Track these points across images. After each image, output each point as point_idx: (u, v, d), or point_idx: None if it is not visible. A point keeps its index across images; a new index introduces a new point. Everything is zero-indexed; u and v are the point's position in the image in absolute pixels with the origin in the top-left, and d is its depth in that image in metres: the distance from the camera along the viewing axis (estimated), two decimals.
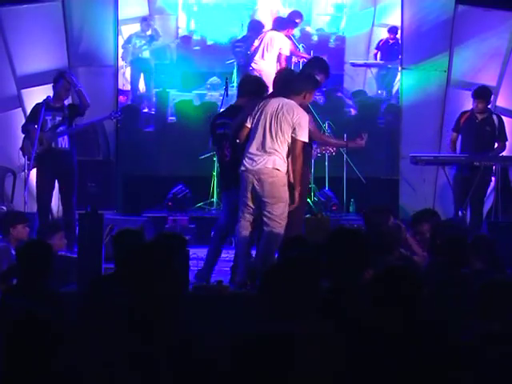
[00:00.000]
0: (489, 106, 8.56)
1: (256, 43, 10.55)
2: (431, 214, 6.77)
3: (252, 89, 6.76)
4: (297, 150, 6.25)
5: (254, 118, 6.33)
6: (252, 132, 6.34)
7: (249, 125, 6.35)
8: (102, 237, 6.30)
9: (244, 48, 10.80)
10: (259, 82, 6.92)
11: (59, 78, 8.18)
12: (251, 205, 6.32)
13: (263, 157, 6.24)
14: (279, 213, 6.22)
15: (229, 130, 6.65)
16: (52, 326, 2.96)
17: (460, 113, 8.65)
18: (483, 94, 8.48)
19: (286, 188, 6.25)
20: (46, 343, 2.91)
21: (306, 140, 6.30)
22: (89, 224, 6.28)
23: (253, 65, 10.39)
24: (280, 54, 10.35)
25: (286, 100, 6.32)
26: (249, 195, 6.30)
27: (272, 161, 6.22)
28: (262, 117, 6.29)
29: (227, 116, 6.84)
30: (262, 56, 10.36)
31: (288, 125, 6.23)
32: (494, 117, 8.58)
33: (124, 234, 5.37)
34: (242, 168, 6.30)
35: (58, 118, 8.12)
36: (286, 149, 6.26)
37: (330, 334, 2.73)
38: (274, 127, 6.25)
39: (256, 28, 10.87)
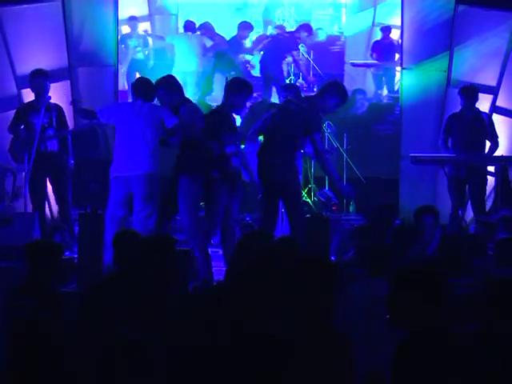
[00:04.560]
0: (476, 105, 8.62)
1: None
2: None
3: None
4: None
5: None
6: None
7: None
8: (102, 237, 6.30)
9: None
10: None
11: (31, 78, 8.17)
12: None
13: None
14: None
15: None
16: (54, 328, 2.97)
17: (449, 115, 8.74)
18: (472, 91, 8.52)
19: None
20: (48, 344, 2.92)
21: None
22: (89, 224, 6.29)
23: None
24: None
25: None
26: None
27: None
28: None
29: None
30: None
31: None
32: (484, 115, 8.63)
33: (123, 234, 5.35)
34: None
35: (45, 120, 8.06)
36: None
37: None
38: None
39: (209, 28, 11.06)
